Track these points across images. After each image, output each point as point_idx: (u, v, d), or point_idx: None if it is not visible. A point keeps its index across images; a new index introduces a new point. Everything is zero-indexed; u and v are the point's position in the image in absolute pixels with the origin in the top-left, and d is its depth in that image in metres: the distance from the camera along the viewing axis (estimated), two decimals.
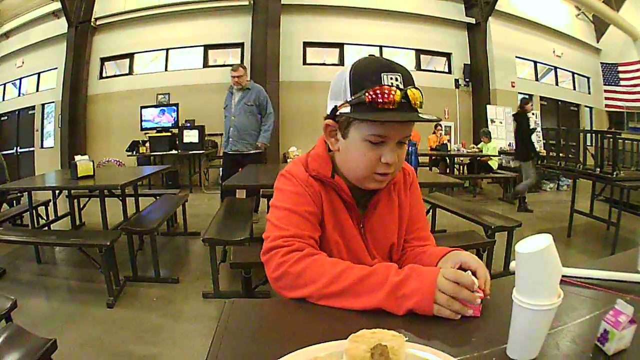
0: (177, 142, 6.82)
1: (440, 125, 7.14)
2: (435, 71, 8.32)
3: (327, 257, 0.72)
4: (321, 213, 0.80)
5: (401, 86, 0.70)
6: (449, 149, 6.82)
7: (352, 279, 0.64)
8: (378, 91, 0.68)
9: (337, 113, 0.76)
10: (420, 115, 0.72)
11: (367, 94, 0.69)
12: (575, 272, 0.75)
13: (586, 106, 10.01)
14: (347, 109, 0.73)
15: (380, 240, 0.85)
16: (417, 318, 0.61)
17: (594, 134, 5.11)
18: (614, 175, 3.52)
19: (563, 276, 0.52)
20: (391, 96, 0.68)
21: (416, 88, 0.71)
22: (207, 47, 7.62)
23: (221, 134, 7.22)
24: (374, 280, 0.63)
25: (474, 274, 0.66)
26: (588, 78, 10.13)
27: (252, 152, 4.12)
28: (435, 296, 0.60)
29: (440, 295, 0.60)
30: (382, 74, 0.70)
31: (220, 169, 4.67)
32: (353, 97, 0.71)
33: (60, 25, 8.18)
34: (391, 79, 0.70)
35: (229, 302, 0.65)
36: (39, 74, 8.97)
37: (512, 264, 0.50)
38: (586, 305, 0.66)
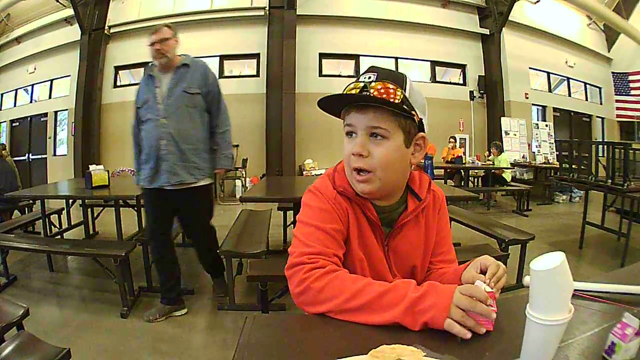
0: None
1: (455, 138, 7.14)
2: (451, 83, 8.35)
3: (348, 273, 0.72)
4: (347, 230, 0.80)
5: (370, 80, 0.73)
6: (463, 161, 6.83)
7: (372, 294, 0.65)
8: (347, 86, 0.76)
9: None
10: (363, 95, 0.73)
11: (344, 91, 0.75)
12: (585, 286, 0.77)
13: (598, 116, 10.01)
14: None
15: (404, 261, 0.86)
16: (433, 333, 0.61)
17: (605, 145, 5.10)
18: (625, 187, 3.50)
19: (574, 290, 0.52)
20: (352, 88, 0.74)
21: (386, 82, 0.73)
22: (222, 57, 7.63)
23: (237, 145, 7.30)
24: (393, 296, 0.65)
25: (484, 272, 0.70)
26: (600, 88, 10.13)
27: (201, 184, 2.31)
28: (450, 311, 0.60)
29: (455, 311, 0.60)
30: (361, 75, 0.76)
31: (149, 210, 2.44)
32: None
33: (73, 32, 8.21)
34: (365, 77, 0.74)
35: (250, 317, 0.66)
36: (51, 80, 8.98)
37: (526, 279, 0.52)
38: (595, 319, 0.67)
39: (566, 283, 0.49)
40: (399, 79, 0.75)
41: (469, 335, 0.59)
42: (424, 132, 0.80)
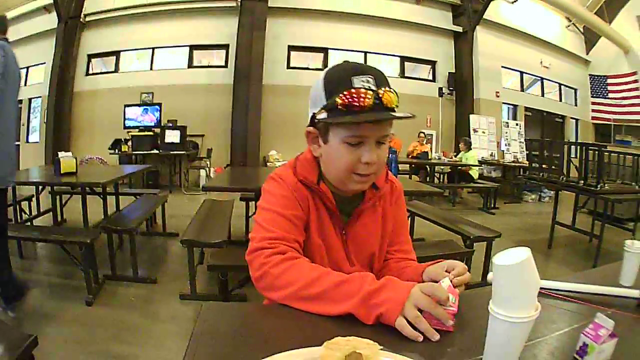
0: (159, 142, 6.85)
1: (423, 133, 7.17)
2: (420, 79, 8.35)
3: (308, 261, 0.73)
4: (307, 217, 0.82)
5: (373, 87, 0.72)
6: (429, 157, 6.85)
7: (328, 284, 0.66)
8: (349, 94, 0.71)
9: (316, 120, 0.78)
10: (393, 114, 0.74)
11: (340, 98, 0.71)
12: (555, 285, 0.76)
13: (572, 118, 10.04)
14: (324, 115, 0.76)
15: (361, 249, 0.87)
16: (391, 328, 0.60)
17: (578, 146, 5.10)
18: (598, 188, 3.52)
19: (543, 289, 0.53)
20: (362, 98, 0.71)
21: (391, 89, 0.74)
22: (192, 47, 7.63)
23: (202, 135, 7.32)
24: (350, 287, 0.65)
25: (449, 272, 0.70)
26: (575, 90, 10.16)
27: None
28: (404, 308, 0.59)
29: (409, 309, 0.59)
30: (353, 77, 0.73)
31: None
32: (327, 103, 0.74)
33: (50, 20, 8.18)
34: (362, 81, 0.72)
35: (205, 305, 0.67)
36: (27, 68, 8.97)
37: (490, 275, 0.51)
38: (565, 318, 0.66)
39: (532, 280, 0.47)
40: (386, 78, 0.76)
41: (420, 338, 0.57)
42: None
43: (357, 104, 0.71)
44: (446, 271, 0.74)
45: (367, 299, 0.62)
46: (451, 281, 0.69)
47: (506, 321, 0.47)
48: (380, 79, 0.74)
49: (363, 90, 0.71)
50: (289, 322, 0.65)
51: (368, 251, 0.88)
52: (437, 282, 0.70)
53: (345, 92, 0.71)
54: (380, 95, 0.71)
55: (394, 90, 0.74)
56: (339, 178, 0.81)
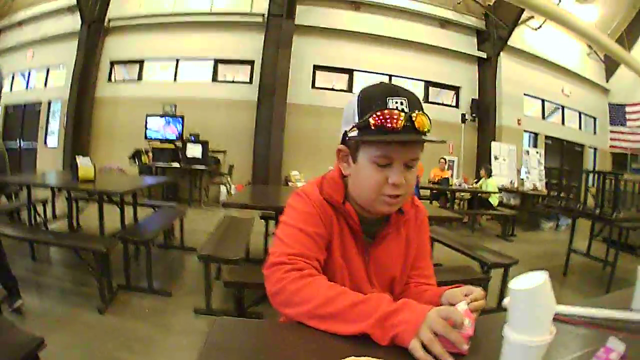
0: (180, 155, 6.83)
1: (444, 159, 7.15)
2: (443, 104, 8.32)
3: (326, 279, 0.72)
4: (330, 236, 0.81)
5: (406, 110, 0.73)
6: (450, 183, 6.83)
7: (344, 303, 0.65)
8: (382, 114, 0.72)
9: (347, 138, 0.79)
10: (422, 136, 0.74)
11: (372, 117, 0.72)
12: (568, 310, 0.76)
13: (590, 146, 10.01)
14: (355, 133, 0.77)
15: (383, 272, 0.87)
16: (405, 350, 0.60)
17: (596, 175, 5.11)
18: (614, 216, 3.56)
19: (556, 314, 0.50)
20: (394, 118, 0.72)
21: (424, 113, 0.74)
22: (217, 61, 7.63)
23: (224, 151, 7.29)
24: (366, 307, 0.64)
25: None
26: (595, 118, 10.13)
27: None
28: (419, 330, 0.59)
29: (425, 332, 0.59)
30: (387, 98, 0.74)
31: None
32: (360, 121, 0.75)
33: (73, 22, 8.17)
34: (396, 102, 0.73)
35: (219, 319, 0.66)
36: (48, 69, 8.97)
37: (506, 301, 0.51)
38: (578, 343, 0.66)
39: (548, 304, 0.48)
40: (420, 103, 0.77)
41: None
42: None
43: (389, 125, 0.72)
44: (464, 295, 0.74)
45: (383, 320, 0.61)
46: (468, 305, 0.69)
47: (519, 345, 0.47)
48: (414, 103, 0.75)
49: (396, 111, 0.72)
50: (303, 341, 0.63)
51: (389, 274, 0.88)
52: (454, 304, 0.70)
53: (378, 112, 0.72)
54: (413, 118, 0.72)
55: (427, 115, 0.75)
56: (366, 198, 0.80)
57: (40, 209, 3.94)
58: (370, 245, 0.85)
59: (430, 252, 0.98)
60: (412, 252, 0.91)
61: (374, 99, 0.75)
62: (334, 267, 0.82)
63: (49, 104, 8.74)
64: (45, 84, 9.04)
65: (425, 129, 0.74)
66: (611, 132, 10.10)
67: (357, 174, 0.80)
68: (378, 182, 0.76)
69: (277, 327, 0.70)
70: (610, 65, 10.05)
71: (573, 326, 0.71)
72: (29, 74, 9.38)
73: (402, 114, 0.72)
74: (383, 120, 0.72)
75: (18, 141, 9.21)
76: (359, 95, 0.78)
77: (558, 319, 0.71)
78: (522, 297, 0.47)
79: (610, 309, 0.77)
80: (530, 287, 0.46)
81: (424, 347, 0.58)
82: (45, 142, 8.72)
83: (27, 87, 9.44)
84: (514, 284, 0.48)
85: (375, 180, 0.77)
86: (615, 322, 0.74)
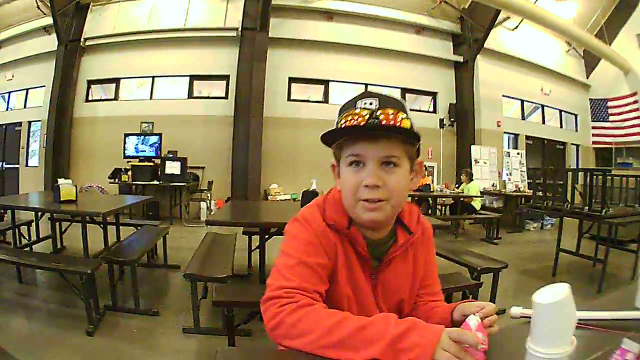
0: (159, 172, 6.82)
1: (425, 166, 7.15)
2: (421, 110, 8.33)
3: (324, 307, 0.70)
4: (334, 265, 0.78)
5: (374, 107, 0.71)
6: (431, 189, 6.83)
7: (349, 329, 0.62)
8: (347, 114, 0.72)
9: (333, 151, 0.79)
10: (379, 124, 0.71)
11: (341, 120, 0.73)
12: (579, 315, 0.74)
13: (572, 144, 10.04)
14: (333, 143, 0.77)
15: (391, 294, 0.84)
16: None
17: (582, 172, 5.11)
18: (603, 213, 3.52)
19: None
20: (357, 115, 0.71)
21: (396, 108, 0.72)
22: (192, 78, 7.60)
23: (203, 167, 7.30)
24: (373, 331, 0.61)
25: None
26: (576, 115, 10.16)
27: None
28: (435, 354, 0.57)
29: (441, 354, 0.57)
30: (357, 101, 0.74)
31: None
32: (334, 128, 0.75)
33: (51, 42, 8.15)
34: (365, 102, 0.72)
35: (221, 352, 0.64)
36: (27, 90, 8.94)
37: (513, 310, 0.53)
38: (591, 346, 0.65)
39: (571, 315, 0.48)
40: (401, 105, 0.75)
41: None
42: (419, 157, 0.81)
43: (353, 122, 0.71)
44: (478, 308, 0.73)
45: (394, 344, 0.59)
46: (482, 320, 0.68)
47: (544, 358, 0.47)
48: (387, 102, 0.73)
49: (363, 110, 0.71)
50: None
51: (398, 297, 0.85)
52: (467, 315, 0.70)
53: (345, 114, 0.73)
54: (377, 113, 0.70)
55: (399, 110, 0.72)
56: (349, 206, 0.78)
57: (24, 230, 3.96)
58: (378, 269, 0.82)
59: (436, 268, 0.94)
60: (420, 273, 0.87)
61: (347, 104, 0.75)
62: (340, 296, 0.78)
63: (29, 124, 8.73)
64: (25, 105, 9.02)
65: (396, 123, 0.71)
66: (593, 127, 10.13)
67: (341, 181, 0.79)
68: (354, 185, 0.74)
69: (280, 356, 0.66)
70: (590, 61, 10.09)
71: (582, 330, 0.70)
72: (9, 96, 9.35)
73: (367, 111, 0.71)
74: (349, 119, 0.71)
75: (1, 163, 9.20)
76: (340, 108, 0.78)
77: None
78: (548, 311, 0.47)
79: (613, 309, 0.77)
80: (556, 299, 0.46)
81: None
82: (27, 163, 8.71)
83: (7, 108, 9.41)
84: (538, 297, 0.48)
85: (351, 183, 0.75)
86: (622, 322, 0.73)
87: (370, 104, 0.72)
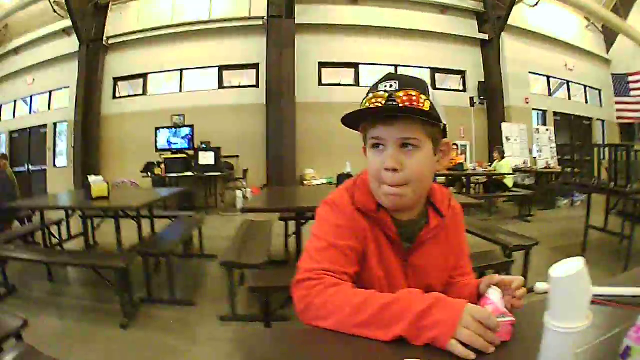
0: (193, 163, 6.81)
1: (456, 145, 7.13)
2: (451, 90, 8.32)
3: (350, 286, 0.71)
4: (365, 247, 0.78)
5: (393, 90, 0.71)
6: (464, 168, 6.80)
7: (374, 308, 0.63)
8: (368, 97, 0.73)
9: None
10: (394, 106, 0.71)
11: (363, 103, 0.73)
12: (596, 291, 0.75)
13: (598, 119, 9.99)
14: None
15: (422, 277, 0.83)
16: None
17: (607, 148, 5.09)
18: (628, 189, 3.52)
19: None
20: (377, 97, 0.71)
21: (413, 90, 0.71)
22: (221, 68, 7.62)
23: (237, 156, 7.29)
24: (397, 308, 0.62)
25: (505, 289, 0.70)
26: (599, 90, 10.10)
27: None
28: (456, 331, 0.58)
29: (462, 331, 0.58)
30: (378, 84, 0.73)
31: None
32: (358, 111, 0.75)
33: (71, 43, 8.21)
34: (385, 85, 0.72)
35: (250, 332, 0.67)
36: (50, 92, 8.98)
37: (538, 286, 0.53)
38: (608, 323, 0.66)
39: (586, 289, 0.49)
40: (422, 86, 0.73)
41: (472, 356, 0.56)
42: (446, 137, 0.79)
43: (372, 105, 0.71)
44: (497, 285, 0.73)
45: (417, 321, 0.60)
46: (514, 297, 0.70)
47: (562, 332, 0.48)
48: (408, 83, 0.72)
49: (381, 92, 0.71)
50: (339, 347, 0.62)
51: (429, 280, 0.84)
52: (492, 285, 0.72)
53: (366, 97, 0.73)
54: (396, 95, 0.70)
55: (420, 92, 0.71)
56: (374, 189, 0.78)
57: (55, 229, 3.91)
58: (409, 251, 0.82)
59: (468, 249, 0.95)
60: (452, 255, 0.88)
61: (370, 88, 0.75)
62: (371, 278, 0.79)
63: (54, 125, 8.75)
64: (49, 107, 9.05)
65: (412, 104, 0.70)
66: (617, 103, 10.07)
67: (368, 165, 0.78)
68: (376, 167, 0.75)
69: (313, 334, 0.68)
70: (609, 35, 10.03)
71: (602, 306, 0.71)
72: (31, 99, 9.39)
73: (382, 92, 0.71)
74: (368, 103, 0.72)
75: (26, 165, 9.23)
76: None
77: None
78: (562, 285, 0.48)
79: (635, 286, 0.76)
80: (570, 273, 0.47)
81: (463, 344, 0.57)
82: (54, 163, 8.73)
83: (30, 111, 9.45)
84: (554, 271, 0.48)
85: (374, 165, 0.75)
86: None
87: (390, 86, 0.71)
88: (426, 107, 0.71)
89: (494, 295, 0.68)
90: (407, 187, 0.74)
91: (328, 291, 0.68)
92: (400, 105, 0.70)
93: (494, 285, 0.72)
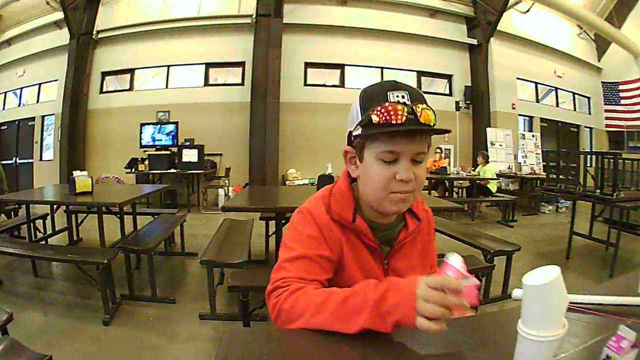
0: (176, 161, 6.81)
1: (440, 148, 7.14)
2: (436, 93, 8.32)
3: (313, 289, 0.72)
4: (340, 256, 0.79)
5: (408, 102, 0.72)
6: (448, 172, 6.80)
7: (334, 305, 0.65)
8: (384, 109, 0.70)
9: (352, 137, 0.78)
10: (429, 128, 0.73)
11: (375, 112, 0.71)
12: (576, 298, 0.75)
13: (586, 127, 10.01)
14: (359, 131, 0.76)
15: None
16: (407, 340, 0.61)
17: (594, 155, 5.07)
18: (614, 196, 3.51)
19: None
20: (397, 111, 0.70)
21: (428, 107, 0.73)
22: (208, 65, 7.61)
23: (220, 154, 7.29)
24: (355, 301, 0.64)
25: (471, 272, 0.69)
26: (588, 98, 10.12)
27: None
28: (417, 308, 0.58)
29: (424, 306, 0.57)
30: (388, 93, 0.73)
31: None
32: (362, 118, 0.74)
33: (62, 36, 8.18)
34: (397, 96, 0.72)
35: (228, 331, 0.65)
36: (39, 84, 8.96)
37: (515, 292, 0.52)
38: (588, 331, 0.65)
39: (561, 298, 0.48)
40: (423, 97, 0.76)
41: (446, 328, 0.57)
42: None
43: (392, 119, 0.70)
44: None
45: (376, 310, 0.61)
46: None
47: (535, 340, 0.47)
48: (416, 96, 0.74)
49: (399, 105, 0.70)
50: (315, 344, 0.64)
51: None
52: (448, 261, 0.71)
53: (379, 106, 0.71)
54: (416, 110, 0.70)
55: (431, 108, 0.73)
56: (375, 198, 0.78)
57: (40, 223, 3.93)
58: (389, 254, 0.84)
59: (436, 252, 0.98)
60: (428, 257, 0.91)
61: (375, 95, 0.74)
62: (351, 283, 0.77)
63: (42, 118, 8.73)
64: (38, 99, 9.03)
65: (431, 123, 0.72)
66: (606, 111, 10.09)
67: (365, 173, 0.78)
68: (386, 179, 0.74)
69: (289, 333, 0.69)
70: (602, 44, 10.05)
71: (582, 314, 0.70)
72: (21, 91, 9.37)
73: (404, 106, 0.70)
74: (386, 114, 0.70)
75: (14, 159, 9.21)
76: (360, 95, 0.77)
77: (568, 308, 0.71)
78: (536, 293, 0.47)
79: (617, 294, 0.76)
80: (543, 282, 0.46)
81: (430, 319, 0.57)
82: (41, 157, 8.71)
83: (19, 104, 9.43)
84: (528, 279, 0.47)
85: (382, 177, 0.74)
86: (624, 308, 0.73)
87: (402, 97, 0.72)
88: (434, 119, 0.73)
89: (453, 260, 0.67)
90: (411, 195, 0.77)
91: (293, 296, 0.70)
92: (422, 121, 0.71)
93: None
